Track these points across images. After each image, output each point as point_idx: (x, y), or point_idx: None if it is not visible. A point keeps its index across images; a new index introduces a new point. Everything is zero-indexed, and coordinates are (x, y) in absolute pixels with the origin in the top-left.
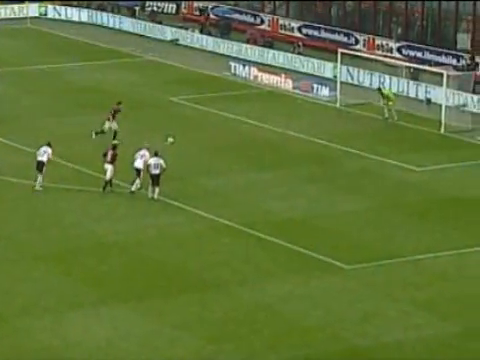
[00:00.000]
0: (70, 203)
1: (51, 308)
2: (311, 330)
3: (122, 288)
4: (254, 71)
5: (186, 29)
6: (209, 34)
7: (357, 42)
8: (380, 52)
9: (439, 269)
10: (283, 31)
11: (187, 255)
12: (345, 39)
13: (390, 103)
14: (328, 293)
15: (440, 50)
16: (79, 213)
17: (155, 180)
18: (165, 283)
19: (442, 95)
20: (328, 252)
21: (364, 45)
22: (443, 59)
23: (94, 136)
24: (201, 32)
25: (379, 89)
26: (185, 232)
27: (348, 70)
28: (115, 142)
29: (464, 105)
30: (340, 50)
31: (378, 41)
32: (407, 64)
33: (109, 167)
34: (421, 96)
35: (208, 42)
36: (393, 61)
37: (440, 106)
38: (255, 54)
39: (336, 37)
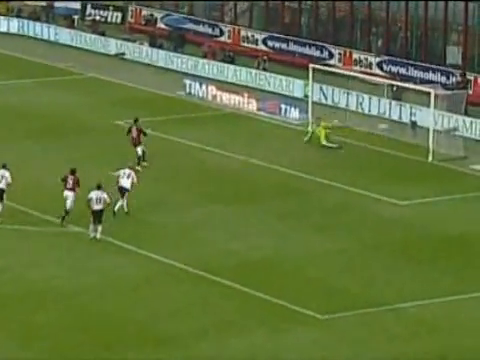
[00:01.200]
0: None
1: None
2: None
3: (58, 344)
4: (212, 90)
5: (133, 41)
6: (160, 47)
7: (331, 56)
8: (358, 68)
9: (426, 319)
10: (246, 44)
11: (135, 304)
12: (317, 53)
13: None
14: (299, 347)
15: (427, 66)
16: (9, 255)
17: (97, 217)
18: (110, 337)
19: (430, 117)
20: (299, 300)
21: (339, 60)
22: (430, 76)
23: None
24: (151, 45)
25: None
26: (133, 277)
27: (321, 89)
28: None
29: (455, 129)
30: (312, 66)
31: (356, 55)
32: (389, 82)
33: (70, 195)
34: (405, 119)
35: (159, 56)
36: (373, 78)
37: (427, 130)
38: (213, 70)
39: (307, 50)
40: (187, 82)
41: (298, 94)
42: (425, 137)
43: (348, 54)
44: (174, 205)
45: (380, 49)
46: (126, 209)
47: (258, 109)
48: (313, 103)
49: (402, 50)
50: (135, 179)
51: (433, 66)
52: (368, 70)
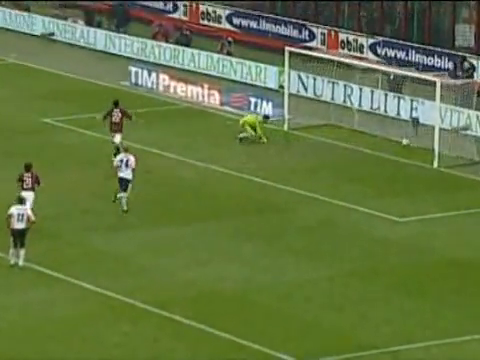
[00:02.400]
0: None
1: None
2: None
3: None
4: (164, 79)
5: (65, 19)
6: (99, 26)
7: (312, 37)
8: (346, 52)
9: None
10: (206, 22)
11: (68, 348)
12: (295, 33)
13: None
14: None
15: (431, 49)
16: None
17: (19, 238)
18: None
19: (435, 113)
20: (272, 341)
21: (323, 42)
22: (436, 61)
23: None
24: (87, 23)
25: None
26: (66, 314)
27: (300, 78)
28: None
29: (466, 128)
30: (288, 49)
31: (343, 36)
32: (385, 69)
33: (29, 196)
34: (405, 115)
35: (97, 38)
36: (365, 64)
37: (432, 129)
38: (165, 55)
39: (282, 30)
40: (132, 70)
41: (271, 84)
42: (429, 137)
43: (333, 35)
44: (117, 223)
45: (373, 28)
46: (125, 206)
47: (221, 103)
48: (290, 96)
49: (400, 29)
50: (134, 164)
51: (439, 49)
52: (358, 54)
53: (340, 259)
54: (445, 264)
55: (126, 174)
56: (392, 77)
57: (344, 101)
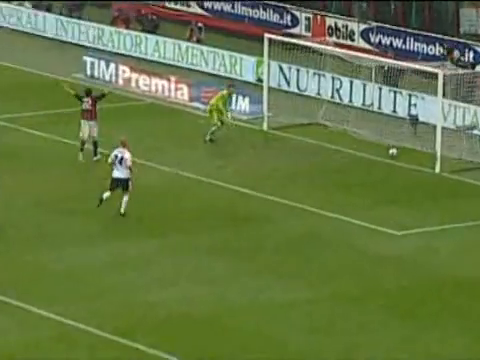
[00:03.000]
0: None
1: None
2: None
3: None
4: (124, 71)
5: (8, 1)
6: (48, 10)
7: (296, 23)
8: (334, 39)
9: None
10: (173, 5)
11: None
12: (276, 18)
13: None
14: None
15: (432, 36)
16: None
17: None
18: None
19: (437, 110)
20: None
21: (308, 28)
22: (437, 50)
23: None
24: (35, 6)
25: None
26: (14, 343)
27: (281, 69)
28: None
29: (473, 127)
30: (268, 36)
31: (330, 21)
32: (379, 59)
33: None
34: (402, 112)
35: (47, 23)
36: (355, 54)
37: (433, 128)
38: (126, 43)
39: (261, 14)
40: (88, 60)
41: (248, 77)
42: (430, 138)
43: (320, 20)
44: (68, 237)
45: (365, 12)
46: (123, 209)
47: (191, 99)
48: (270, 90)
49: (396, 14)
50: (129, 161)
51: (441, 36)
52: (349, 42)
53: (327, 278)
54: (449, 284)
55: (120, 173)
56: (386, 68)
57: (332, 96)
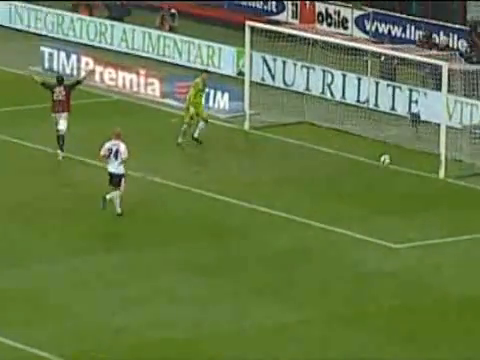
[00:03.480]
0: None
1: None
2: None
3: None
4: (88, 64)
5: None
6: None
7: (281, 8)
8: (324, 27)
9: None
10: None
11: None
12: (259, 4)
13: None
14: None
15: (435, 23)
16: None
17: None
18: None
19: (441, 107)
20: None
21: (294, 15)
22: (441, 40)
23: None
24: None
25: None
26: None
27: (265, 61)
28: None
29: None
30: (250, 24)
31: (321, 7)
32: (375, 49)
33: None
34: (401, 110)
35: None
36: (350, 44)
37: (437, 128)
38: (89, 32)
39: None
40: (46, 51)
41: (228, 70)
42: (433, 139)
43: (308, 5)
44: (25, 254)
45: None
46: (118, 209)
47: (163, 95)
48: (253, 85)
49: None
50: (124, 154)
51: (444, 24)
52: (341, 31)
53: (318, 298)
54: (454, 303)
55: (116, 168)
56: (383, 58)
57: (323, 92)
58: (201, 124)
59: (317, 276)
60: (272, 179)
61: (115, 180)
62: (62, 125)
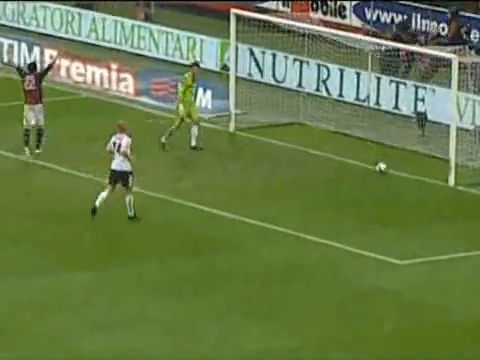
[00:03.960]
0: None
1: None
2: None
3: None
4: (52, 57)
5: None
6: None
7: None
8: (319, 16)
9: None
10: None
11: None
12: None
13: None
14: None
15: (443, 11)
16: None
17: None
18: None
19: (450, 106)
20: None
21: (285, 3)
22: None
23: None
24: None
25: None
26: None
27: (253, 55)
28: None
29: None
30: (235, 12)
31: None
32: (375, 40)
33: None
34: (406, 109)
35: None
36: (347, 34)
37: (446, 129)
38: (54, 21)
39: None
40: (5, 43)
41: (211, 64)
42: (442, 142)
43: None
44: None
45: None
46: (131, 212)
47: (137, 92)
48: (239, 81)
49: None
50: (125, 147)
51: (454, 10)
52: (338, 20)
53: (312, 320)
54: (463, 326)
55: (119, 165)
56: (383, 48)
57: (317, 89)
58: (194, 129)
59: (311, 295)
60: (260, 186)
61: (118, 178)
62: (38, 118)
